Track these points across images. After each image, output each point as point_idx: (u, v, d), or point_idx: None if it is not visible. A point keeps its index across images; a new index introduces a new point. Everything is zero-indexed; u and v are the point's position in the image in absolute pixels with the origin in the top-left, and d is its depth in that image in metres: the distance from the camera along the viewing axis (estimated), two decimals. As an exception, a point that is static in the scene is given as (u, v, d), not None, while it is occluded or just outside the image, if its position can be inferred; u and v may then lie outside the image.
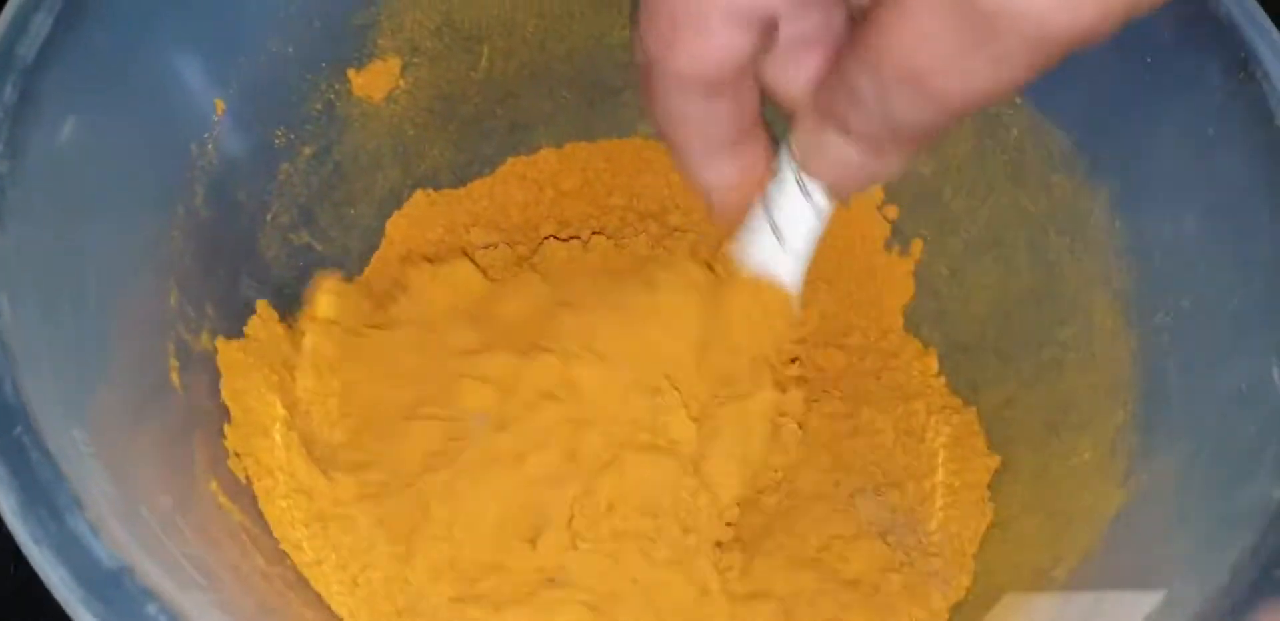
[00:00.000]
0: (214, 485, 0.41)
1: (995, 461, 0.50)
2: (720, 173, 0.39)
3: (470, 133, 0.55)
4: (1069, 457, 0.45)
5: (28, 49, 0.37)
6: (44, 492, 0.31)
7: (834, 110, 0.34)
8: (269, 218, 0.49)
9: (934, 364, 0.54)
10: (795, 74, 0.36)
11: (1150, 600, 0.35)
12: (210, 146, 0.45)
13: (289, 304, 0.50)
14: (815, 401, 0.52)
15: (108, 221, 0.40)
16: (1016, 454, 0.49)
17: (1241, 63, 0.39)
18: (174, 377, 0.42)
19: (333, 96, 0.50)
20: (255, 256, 0.49)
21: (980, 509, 0.49)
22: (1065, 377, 0.47)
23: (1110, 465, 0.42)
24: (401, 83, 0.51)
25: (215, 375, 0.44)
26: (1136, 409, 0.42)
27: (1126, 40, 0.40)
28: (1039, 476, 0.46)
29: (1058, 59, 0.28)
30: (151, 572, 0.31)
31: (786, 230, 0.40)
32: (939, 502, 0.50)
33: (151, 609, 0.30)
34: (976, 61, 0.28)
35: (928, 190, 0.52)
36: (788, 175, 0.37)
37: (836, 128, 0.34)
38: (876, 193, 0.55)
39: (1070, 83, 0.44)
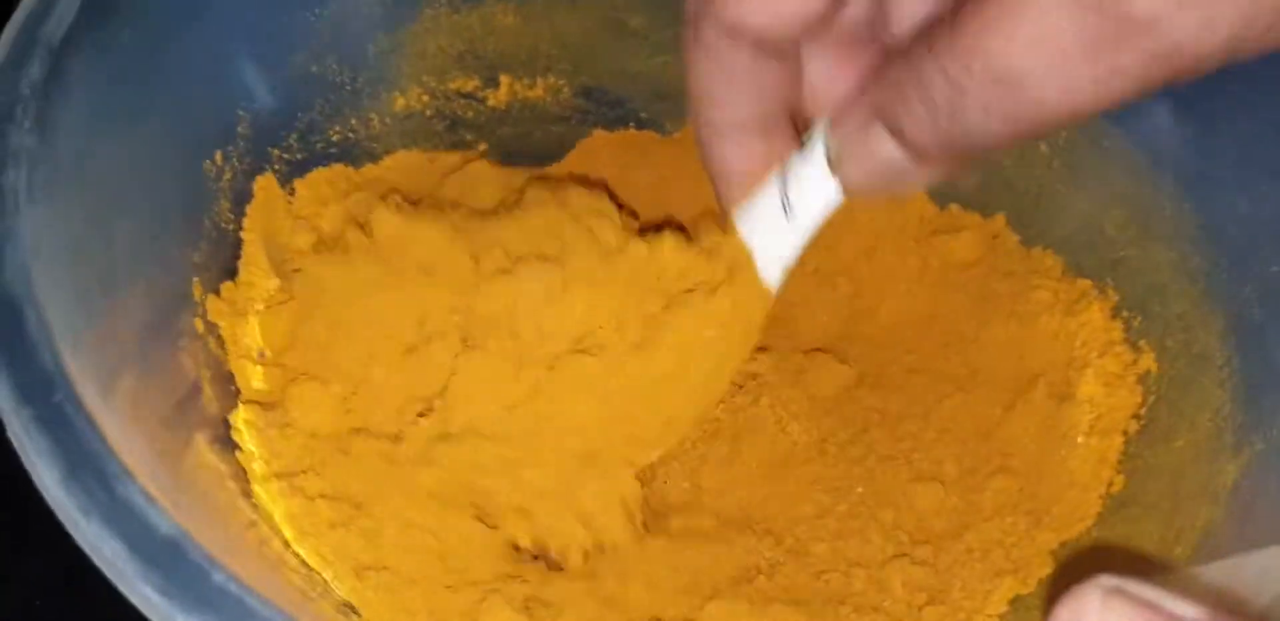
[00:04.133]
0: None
1: None
2: (742, 154, 0.36)
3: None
4: (1167, 444, 0.42)
5: (53, 31, 0.35)
6: (90, 461, 0.28)
7: (889, 109, 0.30)
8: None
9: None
10: (841, 73, 0.35)
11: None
12: (235, 160, 0.43)
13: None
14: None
15: (134, 220, 0.38)
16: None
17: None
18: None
19: (355, 120, 0.48)
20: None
21: None
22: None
23: (1215, 443, 0.39)
24: (423, 109, 0.50)
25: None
26: (1235, 386, 0.40)
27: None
28: (1135, 469, 0.43)
29: (1158, 85, 0.26)
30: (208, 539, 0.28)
31: (799, 208, 0.37)
32: None
33: (218, 577, 0.27)
34: (1092, 70, 0.25)
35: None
36: (817, 154, 0.35)
37: (886, 127, 0.31)
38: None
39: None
